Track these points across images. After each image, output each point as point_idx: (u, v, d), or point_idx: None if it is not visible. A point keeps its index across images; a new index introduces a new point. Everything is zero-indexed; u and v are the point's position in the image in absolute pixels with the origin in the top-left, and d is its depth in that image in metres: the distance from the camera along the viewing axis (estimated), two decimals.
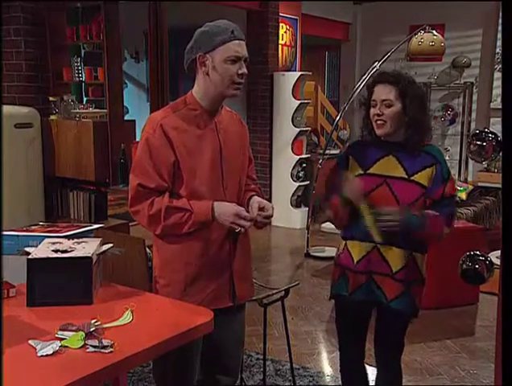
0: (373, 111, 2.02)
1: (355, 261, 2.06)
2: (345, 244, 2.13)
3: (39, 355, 1.36)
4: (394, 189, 1.99)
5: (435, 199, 1.99)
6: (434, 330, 3.61)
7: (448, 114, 7.58)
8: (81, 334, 1.44)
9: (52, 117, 4.34)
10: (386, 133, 2.01)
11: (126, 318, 1.59)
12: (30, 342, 1.41)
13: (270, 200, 6.50)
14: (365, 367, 2.27)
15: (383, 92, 1.99)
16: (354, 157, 2.09)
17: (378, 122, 2.01)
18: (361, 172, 2.05)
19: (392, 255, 2.02)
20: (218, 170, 1.91)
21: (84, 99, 5.24)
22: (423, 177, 1.99)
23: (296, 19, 6.84)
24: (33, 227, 2.21)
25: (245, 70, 1.87)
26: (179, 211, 1.84)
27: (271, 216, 1.88)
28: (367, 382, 2.31)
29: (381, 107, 1.99)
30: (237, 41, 1.85)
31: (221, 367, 2.08)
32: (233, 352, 2.08)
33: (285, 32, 6.67)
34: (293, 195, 6.40)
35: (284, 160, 6.38)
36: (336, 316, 2.26)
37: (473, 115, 7.39)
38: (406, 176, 1.99)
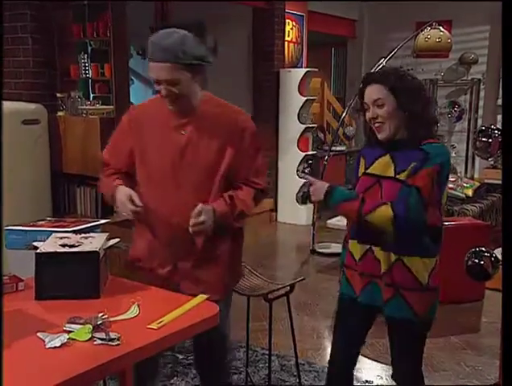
0: (367, 115, 1.93)
1: (356, 260, 2.01)
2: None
3: (47, 347, 1.38)
4: (383, 189, 1.91)
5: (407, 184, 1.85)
6: (439, 326, 3.57)
7: (455, 111, 7.55)
8: (89, 327, 1.46)
9: (60, 114, 4.37)
10: (387, 136, 1.91)
11: (133, 311, 1.61)
12: (38, 334, 1.43)
13: (276, 196, 6.55)
14: (353, 375, 2.20)
15: (372, 93, 1.90)
16: (363, 156, 2.05)
17: (376, 125, 1.91)
18: (364, 171, 2.01)
19: (382, 256, 1.93)
20: (171, 168, 1.93)
21: (91, 95, 5.26)
22: (407, 175, 1.87)
23: (303, 16, 6.83)
24: (40, 223, 2.25)
25: (164, 92, 1.86)
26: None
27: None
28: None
29: (374, 108, 1.89)
30: (152, 63, 1.84)
31: (204, 364, 2.15)
32: (207, 349, 2.09)
33: (291, 29, 6.67)
34: (299, 192, 6.41)
35: (290, 156, 6.39)
36: (336, 315, 2.18)
37: (480, 112, 7.37)
38: (393, 175, 1.90)
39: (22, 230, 2.06)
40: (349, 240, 2.05)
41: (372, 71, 2.05)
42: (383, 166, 1.94)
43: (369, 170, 1.98)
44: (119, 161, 2.05)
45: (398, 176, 1.88)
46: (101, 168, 2.12)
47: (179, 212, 1.89)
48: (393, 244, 1.90)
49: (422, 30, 5.08)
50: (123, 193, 1.92)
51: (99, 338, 1.42)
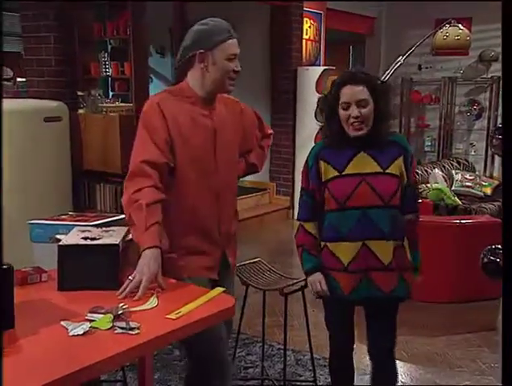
0: (346, 113, 1.98)
1: (345, 263, 2.04)
2: (325, 245, 2.10)
3: (70, 334, 1.43)
4: (373, 185, 2.00)
5: (406, 186, 2.07)
6: (455, 323, 3.61)
7: (474, 109, 7.49)
8: (110, 316, 1.51)
9: (80, 111, 4.46)
10: (363, 134, 2.00)
11: (152, 302, 1.66)
12: (62, 323, 1.48)
13: (292, 194, 6.56)
14: (352, 360, 2.28)
15: (357, 93, 1.97)
16: (325, 160, 2.07)
17: (356, 124, 1.98)
18: (337, 174, 2.04)
19: (380, 249, 2.02)
20: (211, 154, 2.00)
21: (111, 93, 5.34)
22: (395, 168, 2.03)
23: (320, 14, 6.84)
24: (63, 217, 2.30)
25: (239, 67, 2.00)
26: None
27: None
28: (353, 374, 2.32)
29: (359, 108, 1.97)
30: (233, 40, 1.98)
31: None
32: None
33: (309, 27, 6.68)
34: None
35: (307, 154, 6.39)
36: (325, 313, 2.24)
37: (500, 110, 7.29)
38: (381, 170, 2.01)
39: (46, 224, 2.12)
40: (329, 243, 2.08)
41: (350, 71, 2.07)
42: (362, 163, 2.03)
43: (346, 171, 2.03)
44: (164, 154, 1.91)
45: (387, 170, 2.02)
46: (137, 175, 1.92)
47: (223, 190, 2.03)
48: (397, 231, 2.06)
49: (440, 28, 5.07)
50: (154, 267, 1.76)
51: (120, 327, 1.47)
